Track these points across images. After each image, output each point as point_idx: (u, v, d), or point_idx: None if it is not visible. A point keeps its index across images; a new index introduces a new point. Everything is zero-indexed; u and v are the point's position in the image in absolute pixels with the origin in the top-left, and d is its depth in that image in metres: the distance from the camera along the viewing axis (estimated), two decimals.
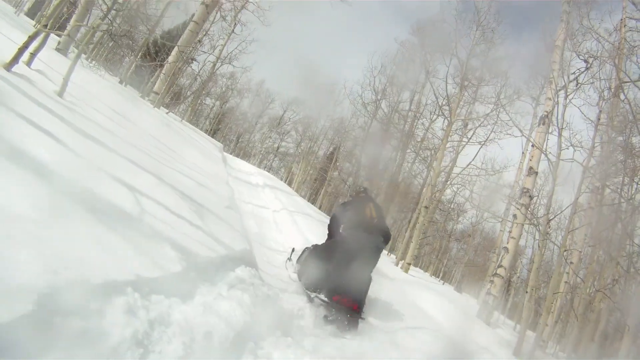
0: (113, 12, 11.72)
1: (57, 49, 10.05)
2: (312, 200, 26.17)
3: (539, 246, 8.85)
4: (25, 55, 5.51)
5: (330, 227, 5.03)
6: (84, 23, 10.00)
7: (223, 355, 2.20)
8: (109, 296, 1.82)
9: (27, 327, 1.39)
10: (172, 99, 16.09)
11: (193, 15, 14.47)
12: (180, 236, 2.87)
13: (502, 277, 10.53)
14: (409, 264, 11.86)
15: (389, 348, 4.60)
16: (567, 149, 9.29)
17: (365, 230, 4.52)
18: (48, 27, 5.78)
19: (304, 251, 5.27)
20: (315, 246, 5.07)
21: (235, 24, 18.50)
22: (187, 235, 3.00)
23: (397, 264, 12.30)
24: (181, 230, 2.98)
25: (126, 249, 2.23)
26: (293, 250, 5.66)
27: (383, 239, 4.59)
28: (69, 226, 2.08)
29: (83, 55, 11.87)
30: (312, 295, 4.35)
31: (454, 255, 23.92)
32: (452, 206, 20.61)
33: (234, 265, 3.23)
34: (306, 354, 2.91)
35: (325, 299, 4.20)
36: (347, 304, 4.19)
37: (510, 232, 11.20)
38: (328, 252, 4.64)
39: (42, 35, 5.89)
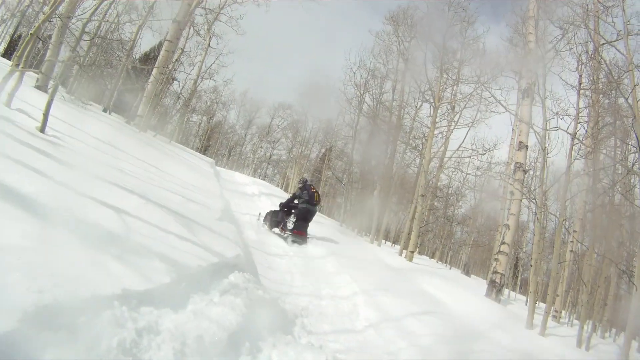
0: (86, 42, 11.81)
1: (37, 86, 10.07)
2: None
3: (537, 219, 8.85)
4: (4, 96, 5.56)
5: (290, 199, 9.02)
6: (57, 59, 10.02)
7: (218, 356, 2.25)
8: (95, 310, 1.90)
9: (13, 342, 1.47)
10: (158, 120, 16.14)
11: (167, 34, 14.55)
12: (169, 250, 2.91)
13: (507, 254, 10.55)
14: (412, 253, 11.88)
15: (397, 337, 4.63)
16: (553, 118, 9.34)
17: (311, 204, 8.79)
18: (21, 66, 5.83)
19: (267, 214, 8.86)
20: (276, 211, 8.86)
21: (210, 37, 18.56)
22: (176, 248, 3.05)
23: (400, 254, 12.32)
24: (170, 244, 3.03)
25: (113, 267, 2.29)
26: (260, 214, 9.04)
27: (318, 209, 9.32)
28: (58, 250, 2.18)
29: (64, 89, 11.92)
30: (285, 234, 8.44)
31: (458, 238, 23.90)
32: (450, 191, 20.62)
33: (227, 272, 3.28)
34: (307, 350, 2.93)
35: (291, 233, 8.37)
36: (302, 234, 8.39)
37: (509, 209, 11.24)
38: (290, 213, 8.83)
39: (16, 75, 5.94)
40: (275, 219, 8.64)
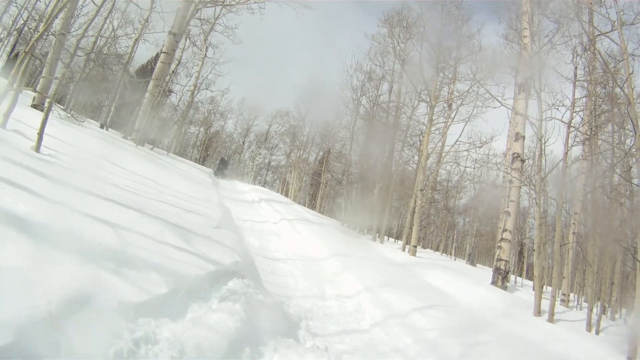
0: (82, 57, 11.84)
1: (33, 105, 10.07)
2: (312, 206, 26.11)
3: (537, 204, 8.89)
4: None
5: (219, 164, 23.06)
6: (53, 76, 10.04)
7: None
8: (91, 322, 1.94)
9: (9, 355, 1.51)
10: (156, 134, 16.25)
11: (163, 46, 14.57)
12: (166, 261, 2.95)
13: (509, 241, 10.59)
14: (415, 247, 11.88)
15: (403, 333, 4.64)
16: (549, 109, 9.40)
17: (224, 165, 22.22)
18: (15, 85, 5.83)
19: (215, 171, 19.81)
20: (218, 169, 21.05)
21: (207, 47, 18.63)
22: (173, 259, 3.08)
23: (403, 249, 12.31)
24: (167, 256, 3.06)
25: (109, 280, 2.32)
26: (212, 171, 19.26)
27: (227, 167, 23.22)
28: (52, 268, 2.19)
29: (61, 107, 11.95)
30: (217, 177, 17.87)
31: (461, 229, 23.81)
32: (449, 184, 20.57)
33: (226, 279, 3.30)
34: (309, 352, 2.95)
35: (219, 176, 18.87)
36: (220, 176, 18.86)
37: (508, 196, 11.31)
38: (219, 169, 21.09)
39: (11, 94, 5.94)
40: (216, 171, 18.53)
